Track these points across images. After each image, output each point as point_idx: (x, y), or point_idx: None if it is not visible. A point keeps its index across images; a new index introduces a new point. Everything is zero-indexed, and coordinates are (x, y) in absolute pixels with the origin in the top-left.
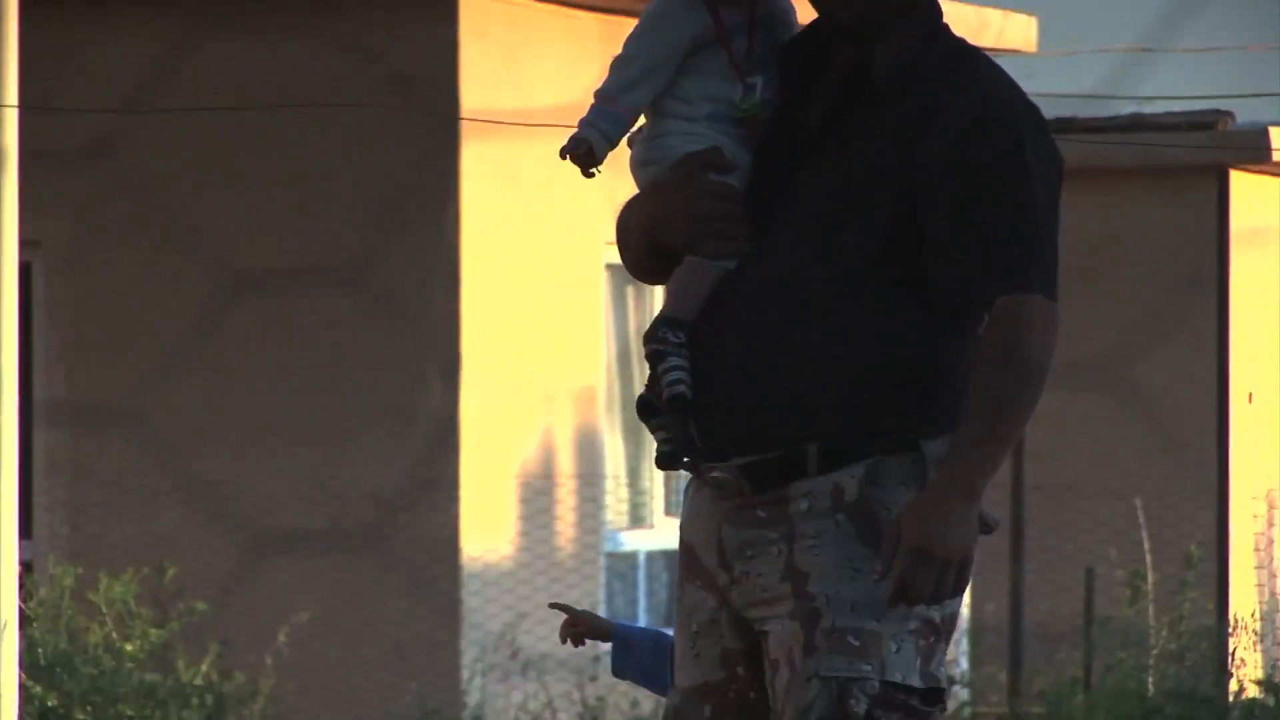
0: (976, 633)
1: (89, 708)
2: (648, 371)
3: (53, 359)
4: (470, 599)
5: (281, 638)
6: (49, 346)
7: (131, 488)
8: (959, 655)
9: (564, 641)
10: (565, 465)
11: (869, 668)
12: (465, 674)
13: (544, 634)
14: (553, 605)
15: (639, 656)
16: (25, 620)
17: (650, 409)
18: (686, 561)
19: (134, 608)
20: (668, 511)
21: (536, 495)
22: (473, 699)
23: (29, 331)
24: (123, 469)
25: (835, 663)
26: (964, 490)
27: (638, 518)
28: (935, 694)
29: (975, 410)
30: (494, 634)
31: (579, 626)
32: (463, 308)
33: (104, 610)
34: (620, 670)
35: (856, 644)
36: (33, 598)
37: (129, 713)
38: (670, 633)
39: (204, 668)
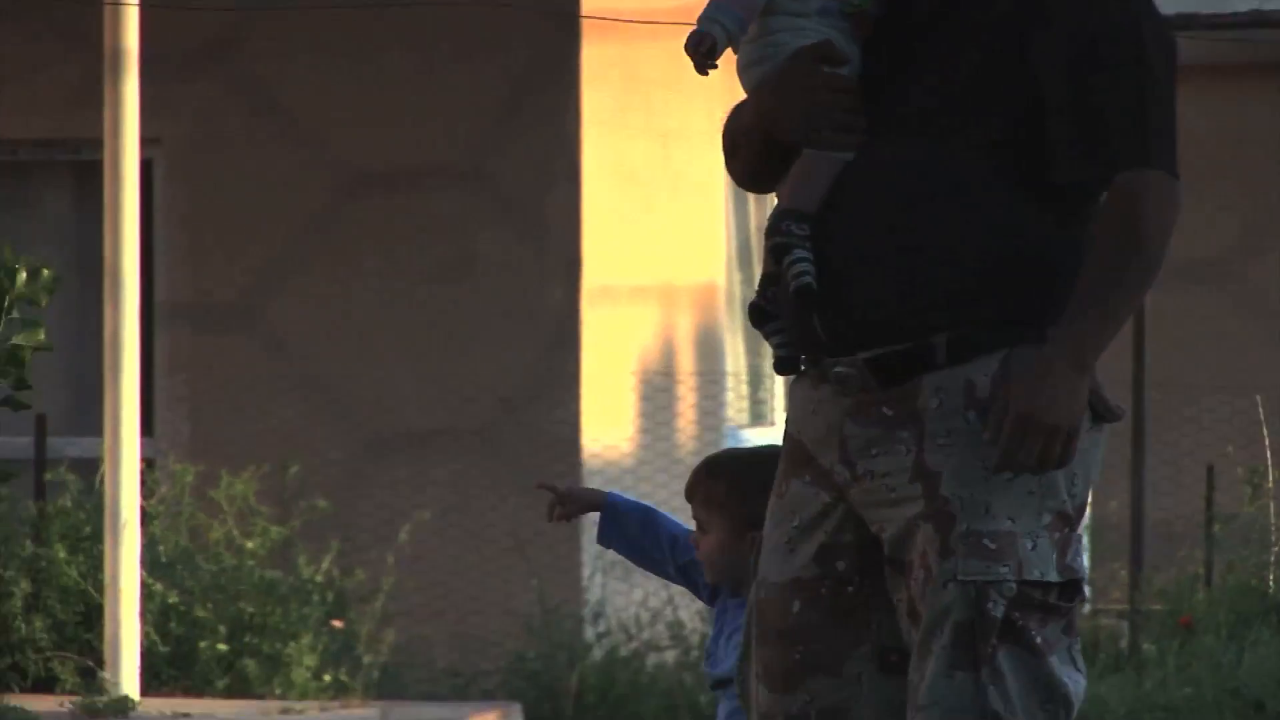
0: (1098, 530)
1: (210, 605)
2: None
3: (173, 257)
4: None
5: (402, 535)
6: (169, 245)
7: (251, 386)
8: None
9: (551, 520)
10: (686, 362)
11: (1006, 569)
12: (586, 571)
13: None
14: (539, 485)
15: (627, 529)
16: (146, 518)
17: (763, 315)
18: (794, 456)
19: (255, 505)
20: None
21: (657, 393)
22: (593, 595)
23: (150, 230)
24: (243, 367)
25: (972, 566)
26: (1074, 360)
27: (758, 415)
28: (1073, 586)
29: (1090, 283)
30: None
31: (568, 505)
32: (583, 205)
33: (225, 507)
34: (606, 539)
35: (993, 547)
36: (154, 495)
37: (249, 610)
38: (659, 513)
39: (325, 565)
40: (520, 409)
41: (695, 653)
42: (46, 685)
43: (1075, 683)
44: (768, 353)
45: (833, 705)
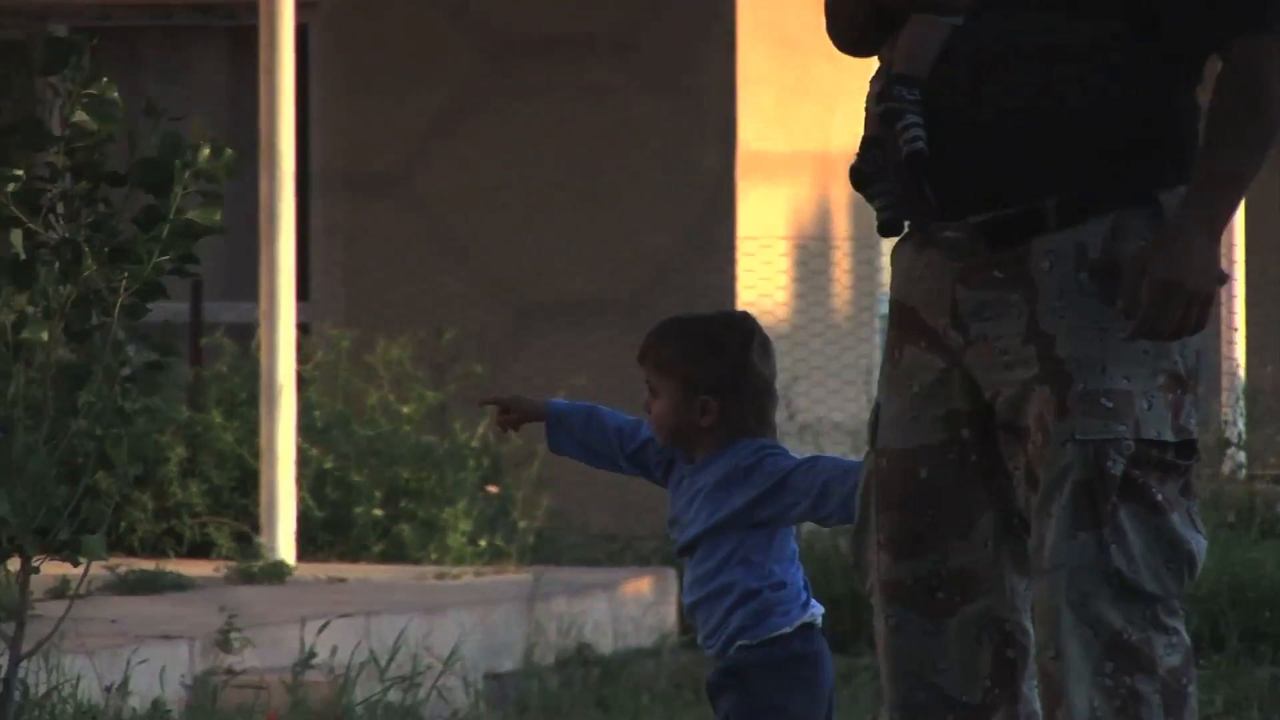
0: (1253, 396)
1: (365, 470)
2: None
3: (328, 124)
4: None
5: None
6: (324, 111)
7: (406, 252)
8: (1236, 417)
9: (502, 430)
10: (841, 228)
11: (1124, 428)
12: None
13: (819, 396)
14: (483, 402)
15: (572, 431)
16: (302, 383)
17: (863, 177)
18: (905, 323)
19: (410, 370)
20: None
21: (812, 258)
22: None
23: (305, 96)
24: (397, 233)
25: (1090, 425)
26: (1207, 226)
27: None
28: (1188, 446)
29: (1215, 151)
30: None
31: (510, 414)
32: (738, 71)
33: (380, 372)
34: (556, 446)
35: (1110, 405)
36: (309, 360)
37: (405, 475)
38: (602, 408)
39: (480, 430)
40: (674, 274)
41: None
42: (202, 550)
43: (1197, 543)
44: None
45: (961, 568)
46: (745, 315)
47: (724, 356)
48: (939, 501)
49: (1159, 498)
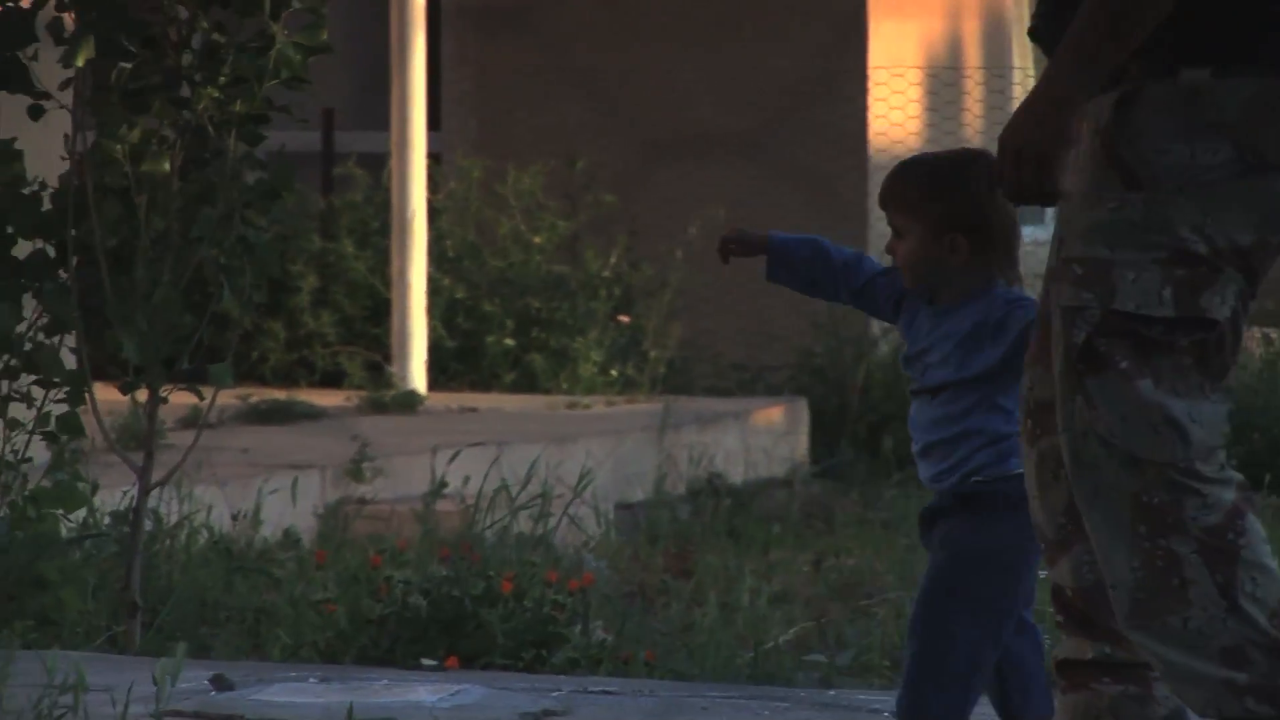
0: None
1: (497, 300)
2: None
3: None
4: (876, 192)
5: (692, 230)
6: None
7: (536, 83)
8: None
9: (724, 258)
10: (972, 57)
11: (1089, 295)
12: None
13: None
14: (720, 247)
15: (794, 264)
16: (433, 213)
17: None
18: None
19: (541, 200)
20: None
21: (944, 87)
22: None
23: None
24: (529, 63)
25: (1063, 292)
26: (1047, 91)
27: None
28: (1191, 324)
29: (1075, 21)
30: None
31: (737, 246)
32: None
33: (512, 202)
34: (774, 275)
35: (1080, 272)
36: (440, 190)
37: (536, 304)
38: (824, 241)
39: (612, 259)
40: (806, 105)
41: None
42: (334, 380)
43: (1181, 409)
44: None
45: (1041, 399)
46: (984, 152)
47: (970, 193)
48: (1041, 326)
49: (1123, 365)
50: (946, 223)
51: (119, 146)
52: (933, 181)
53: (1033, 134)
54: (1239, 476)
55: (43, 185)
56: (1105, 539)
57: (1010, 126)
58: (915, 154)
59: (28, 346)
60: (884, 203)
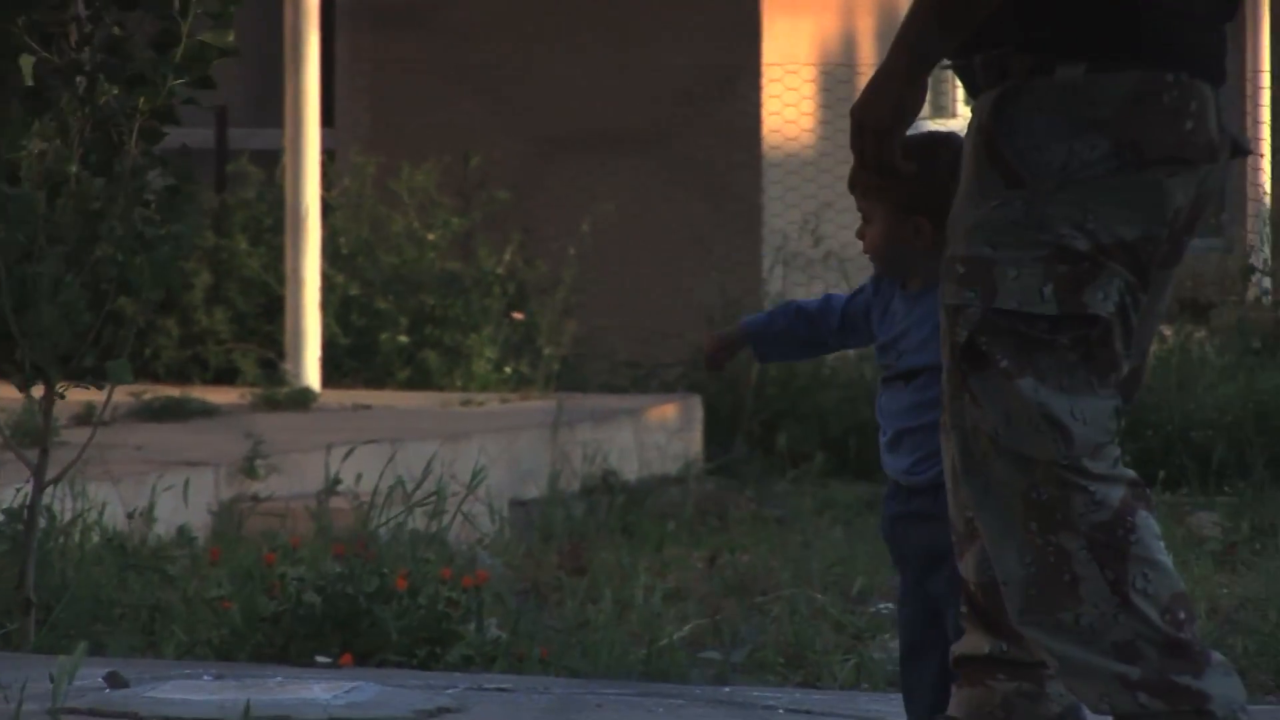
0: (1277, 223)
1: (390, 297)
2: None
3: None
4: (770, 188)
5: (585, 227)
6: None
7: (431, 79)
8: (1261, 244)
9: (717, 369)
10: (866, 54)
11: (971, 294)
12: (766, 263)
13: (845, 223)
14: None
15: (778, 339)
16: (327, 209)
17: None
18: None
19: (436, 197)
20: (967, 100)
21: (838, 84)
22: (773, 288)
23: None
24: (424, 60)
25: (947, 291)
26: (886, 65)
27: (939, 106)
28: (1074, 321)
29: None
30: (795, 223)
31: (719, 354)
32: None
33: (406, 199)
34: (765, 358)
35: (963, 271)
36: (334, 187)
37: (430, 301)
38: (792, 304)
39: (506, 256)
40: (702, 102)
41: None
42: (228, 377)
43: (1062, 404)
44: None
45: None
46: (952, 134)
47: (932, 175)
48: None
49: (1003, 364)
50: (910, 206)
51: (23, 145)
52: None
53: (870, 107)
54: (1131, 474)
55: None
56: (996, 535)
57: (856, 103)
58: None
59: None
60: (851, 187)
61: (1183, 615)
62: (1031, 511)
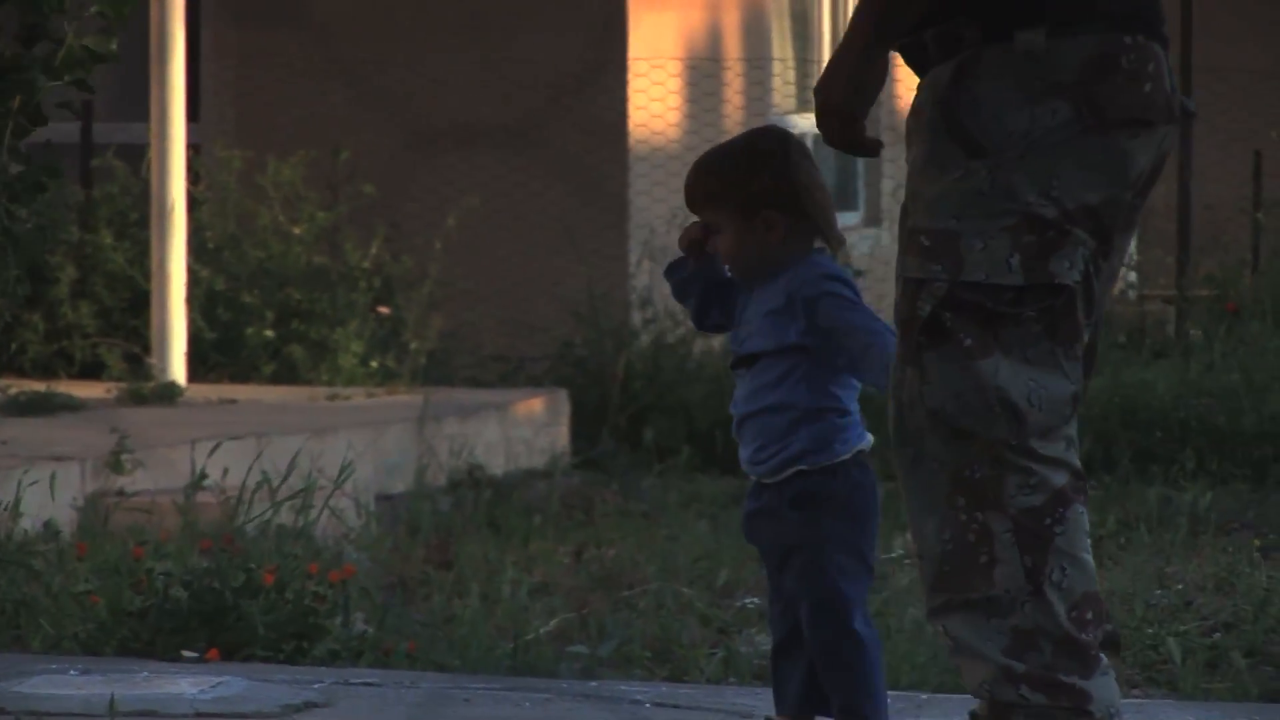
0: (1145, 217)
1: (257, 291)
2: None
3: None
4: (637, 182)
5: (450, 221)
6: None
7: (298, 73)
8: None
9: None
10: (732, 48)
11: (938, 268)
12: (633, 257)
13: None
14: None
15: (714, 271)
16: (193, 204)
17: None
18: None
19: (302, 191)
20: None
21: (703, 78)
22: (640, 282)
23: None
24: (290, 54)
25: (908, 264)
26: (847, 40)
27: (804, 101)
28: (1046, 290)
29: None
30: (663, 217)
31: (699, 241)
32: None
33: (272, 193)
34: (689, 283)
35: (928, 244)
36: (200, 181)
37: (297, 295)
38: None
39: (373, 250)
40: (567, 96)
41: None
42: (93, 371)
43: (1021, 388)
44: (813, 38)
45: None
46: (773, 126)
47: (769, 167)
48: None
49: (967, 342)
50: (755, 202)
51: None
52: (730, 166)
53: (829, 87)
54: (1076, 464)
55: None
56: (919, 509)
57: (818, 80)
58: (707, 150)
59: None
60: (691, 204)
61: (1089, 616)
62: (961, 488)
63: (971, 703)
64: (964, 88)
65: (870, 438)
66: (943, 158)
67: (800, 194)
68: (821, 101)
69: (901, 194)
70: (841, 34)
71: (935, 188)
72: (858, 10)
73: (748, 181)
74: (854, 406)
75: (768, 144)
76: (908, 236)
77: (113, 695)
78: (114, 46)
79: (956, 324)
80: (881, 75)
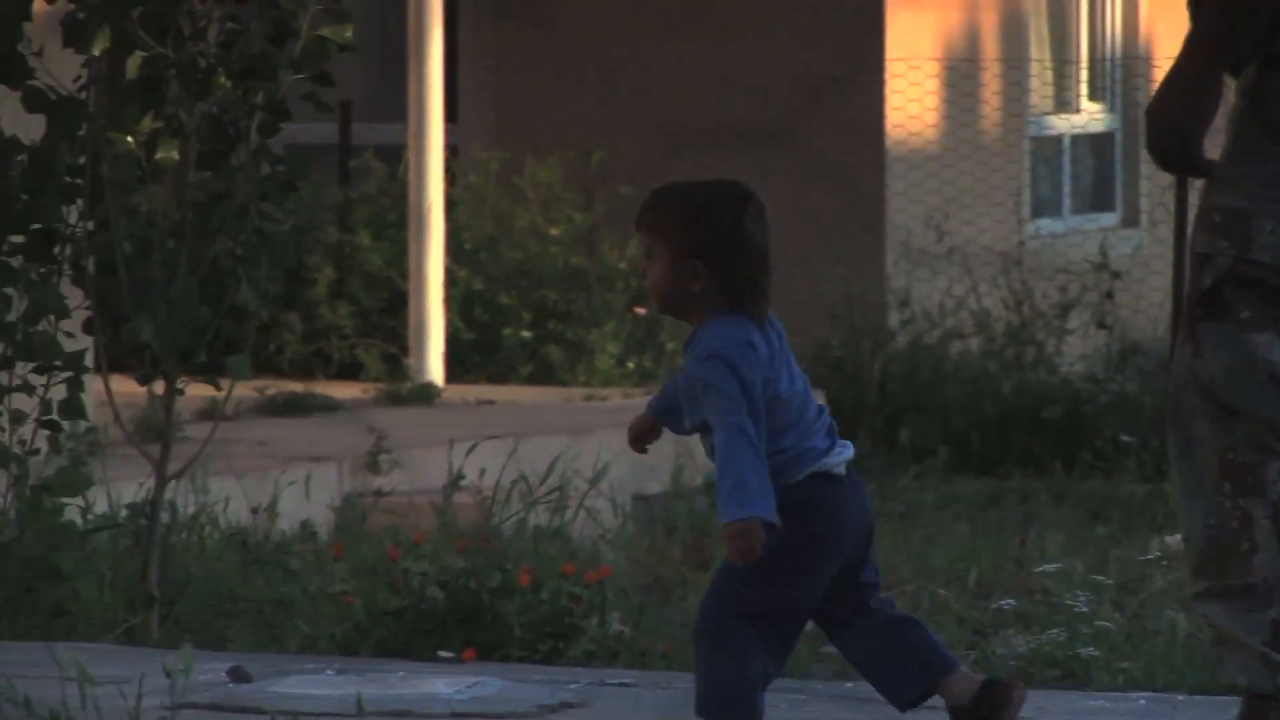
0: None
1: (514, 292)
2: None
3: None
4: (894, 183)
5: None
6: None
7: (555, 73)
8: None
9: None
10: (990, 49)
11: (1225, 244)
12: (889, 259)
13: (968, 218)
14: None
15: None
16: (451, 205)
17: None
18: None
19: (559, 192)
20: (1091, 96)
21: (961, 79)
22: (897, 283)
23: None
24: (546, 56)
25: (1198, 239)
26: (1181, 59)
27: (1062, 101)
28: None
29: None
30: (918, 219)
31: (643, 437)
32: None
33: (529, 195)
34: (675, 430)
35: (1219, 220)
36: (458, 182)
37: (553, 297)
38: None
39: (629, 251)
40: (824, 97)
41: (999, 341)
42: (351, 372)
43: None
44: (1071, 39)
45: None
46: (740, 183)
47: (716, 220)
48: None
49: (1244, 315)
50: (690, 249)
51: (128, 139)
52: (681, 207)
53: (1166, 108)
54: None
55: (37, 172)
56: (1187, 493)
57: (1151, 101)
58: (676, 180)
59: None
60: (637, 224)
61: None
62: (1226, 472)
63: (1226, 705)
64: (1270, 81)
65: (844, 453)
66: (1248, 143)
67: (735, 258)
68: (1157, 123)
69: (1162, 195)
70: (1099, 35)
71: (1236, 170)
72: (1192, 32)
73: (691, 228)
74: (799, 440)
75: (724, 199)
76: (1201, 215)
77: (359, 695)
78: (349, 34)
79: (1236, 298)
80: (1218, 96)
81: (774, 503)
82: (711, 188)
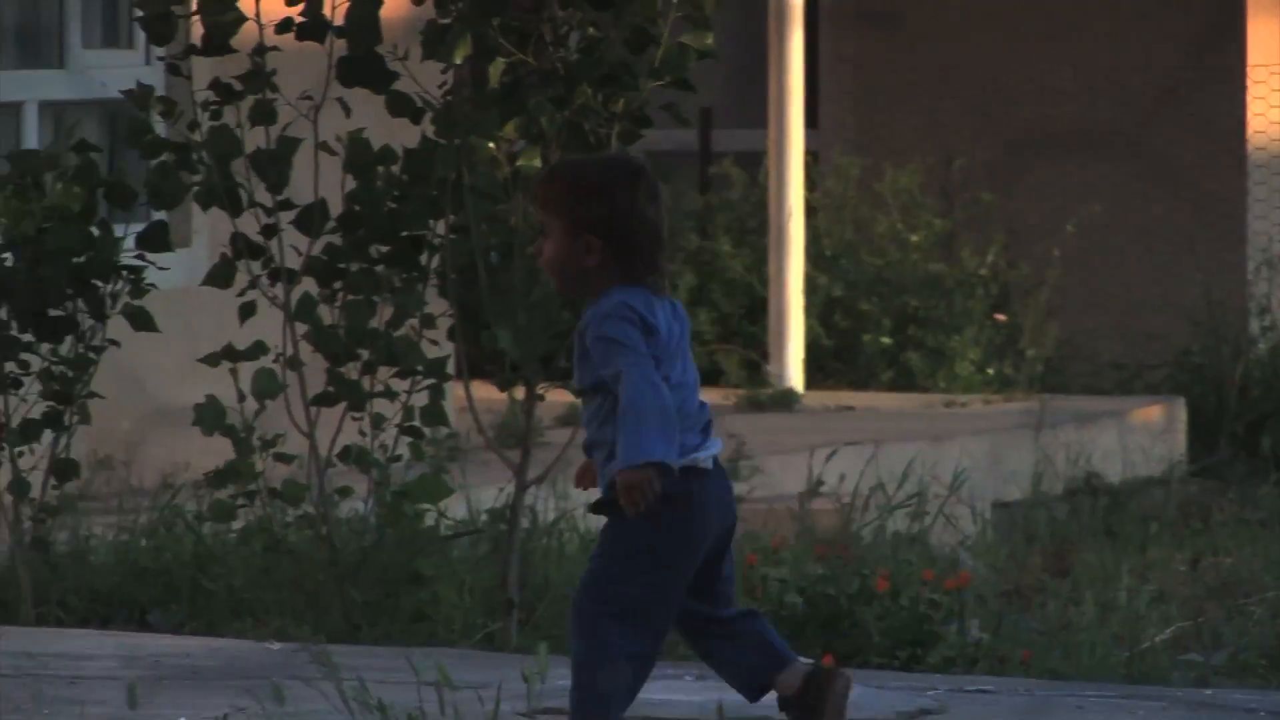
0: None
1: (874, 298)
2: None
3: None
4: (1255, 190)
5: (1069, 228)
6: None
7: (913, 80)
8: None
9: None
10: None
11: None
12: (1250, 265)
13: None
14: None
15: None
16: (810, 211)
17: None
18: None
19: (918, 198)
20: None
21: None
22: (1259, 290)
23: None
24: (904, 62)
25: None
26: None
27: None
28: None
29: None
30: (1279, 225)
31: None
32: None
33: (889, 201)
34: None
35: None
36: (817, 188)
37: (914, 303)
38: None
39: (989, 258)
40: (1181, 101)
41: None
42: (712, 378)
43: None
44: None
45: None
46: (635, 158)
47: (608, 196)
48: None
49: None
50: (583, 224)
51: (490, 145)
52: (575, 182)
53: None
54: None
55: (407, 182)
56: None
57: None
58: (571, 156)
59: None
60: (533, 200)
61: None
62: None
63: None
64: None
65: (712, 449)
66: None
67: (629, 229)
68: None
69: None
70: None
71: None
72: None
73: (583, 203)
74: None
75: (616, 173)
76: None
77: (720, 702)
78: (710, 41)
79: None
80: None
81: (676, 443)
82: (603, 164)
